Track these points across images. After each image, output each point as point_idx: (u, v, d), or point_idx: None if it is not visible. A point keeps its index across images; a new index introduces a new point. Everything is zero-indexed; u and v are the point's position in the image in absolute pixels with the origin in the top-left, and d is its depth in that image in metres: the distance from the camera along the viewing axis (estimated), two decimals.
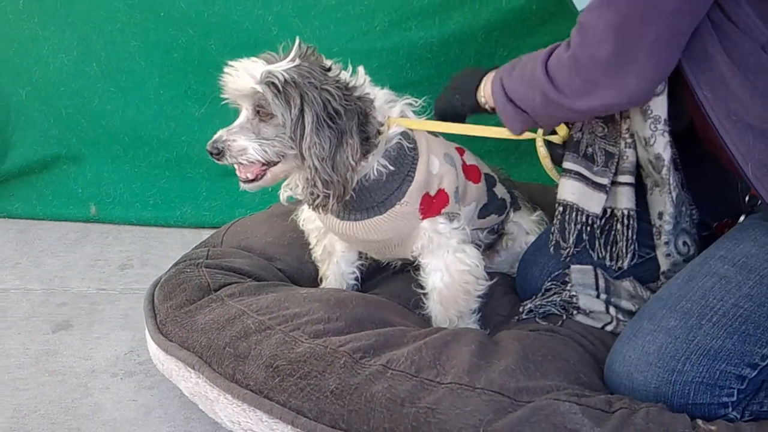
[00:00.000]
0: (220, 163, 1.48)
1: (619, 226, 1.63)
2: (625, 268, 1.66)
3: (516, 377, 1.33)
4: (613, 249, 1.67)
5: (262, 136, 1.45)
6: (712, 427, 1.23)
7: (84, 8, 2.53)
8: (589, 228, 1.65)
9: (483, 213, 1.77)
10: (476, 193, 1.72)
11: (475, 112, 1.70)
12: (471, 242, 1.63)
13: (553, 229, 1.70)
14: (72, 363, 1.79)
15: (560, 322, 1.63)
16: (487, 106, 1.65)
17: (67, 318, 2.00)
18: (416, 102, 1.60)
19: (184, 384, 1.51)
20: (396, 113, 1.56)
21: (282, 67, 1.42)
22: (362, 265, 1.82)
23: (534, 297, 1.72)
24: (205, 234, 2.10)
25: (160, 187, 2.72)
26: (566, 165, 1.67)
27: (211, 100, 2.57)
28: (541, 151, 1.70)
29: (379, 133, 1.51)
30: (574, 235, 1.66)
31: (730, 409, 1.30)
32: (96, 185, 2.73)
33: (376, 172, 1.52)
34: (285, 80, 1.40)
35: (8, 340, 1.90)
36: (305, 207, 1.76)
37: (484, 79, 1.65)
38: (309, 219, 1.78)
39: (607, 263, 1.67)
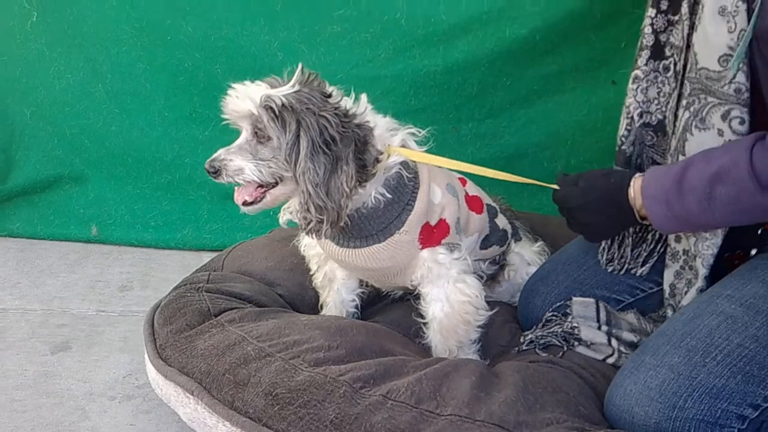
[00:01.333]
0: (217, 181, 1.49)
1: (650, 236, 1.67)
2: (643, 275, 1.69)
3: (516, 410, 1.32)
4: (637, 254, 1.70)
5: (259, 157, 1.47)
6: None
7: (91, 30, 2.55)
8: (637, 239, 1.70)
9: (485, 244, 1.77)
10: (479, 223, 1.73)
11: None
12: (472, 273, 1.63)
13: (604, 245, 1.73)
14: (70, 385, 1.78)
15: (561, 354, 1.62)
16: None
17: (66, 339, 2.00)
18: (419, 132, 1.59)
19: (183, 410, 1.50)
20: (397, 142, 1.56)
21: (282, 91, 1.43)
22: (363, 293, 1.82)
23: (535, 327, 1.71)
24: (206, 257, 2.11)
25: (162, 209, 2.72)
26: None
27: (215, 123, 2.54)
28: None
29: (377, 161, 1.51)
30: (629, 248, 1.70)
31: None
32: (98, 206, 2.73)
33: (374, 200, 1.52)
34: (282, 104, 1.41)
35: (6, 360, 1.89)
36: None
37: (631, 199, 1.50)
38: (310, 245, 1.78)
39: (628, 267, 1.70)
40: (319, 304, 1.83)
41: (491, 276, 1.87)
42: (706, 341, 1.34)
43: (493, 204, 1.83)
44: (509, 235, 1.86)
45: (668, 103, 1.59)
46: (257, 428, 1.37)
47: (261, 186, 1.50)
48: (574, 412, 1.37)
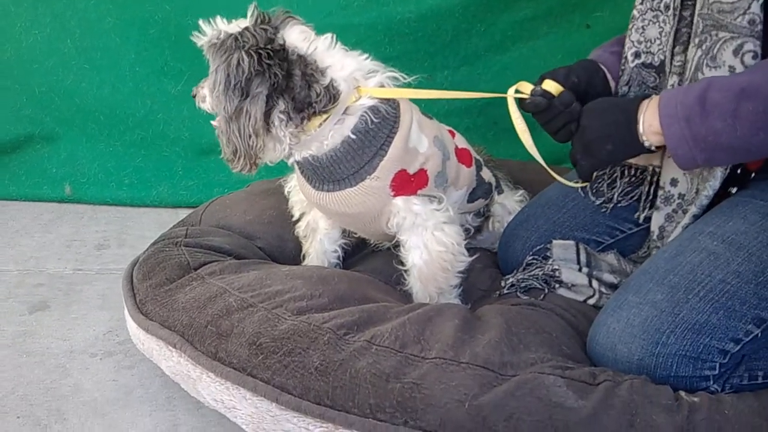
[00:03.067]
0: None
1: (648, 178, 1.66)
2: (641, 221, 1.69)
3: (500, 351, 1.33)
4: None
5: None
6: (695, 399, 1.24)
7: None
8: (632, 180, 1.69)
9: (471, 197, 1.77)
10: (468, 177, 1.72)
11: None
12: (454, 223, 1.62)
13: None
14: (50, 344, 1.76)
15: (542, 296, 1.63)
16: (652, 147, 1.44)
17: (44, 299, 1.97)
18: (403, 77, 1.54)
19: (165, 363, 1.49)
20: (373, 84, 1.52)
21: (229, 30, 1.45)
22: (346, 243, 1.81)
23: (515, 271, 1.72)
24: (182, 213, 2.08)
25: (136, 166, 2.69)
26: None
27: (187, 77, 2.54)
28: (519, 124, 1.61)
29: (331, 101, 1.46)
30: (619, 189, 1.71)
31: (712, 382, 1.31)
32: (70, 165, 2.68)
33: (343, 144, 1.50)
34: (216, 42, 1.45)
35: None
36: (293, 177, 1.76)
37: (642, 116, 1.42)
38: (294, 190, 1.77)
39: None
40: (302, 254, 1.82)
41: (477, 228, 1.88)
42: (689, 278, 1.34)
43: (478, 156, 1.83)
44: (493, 188, 1.86)
45: (669, 42, 1.56)
46: (242, 378, 1.36)
47: None
48: (557, 352, 1.38)
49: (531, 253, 1.72)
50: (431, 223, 1.56)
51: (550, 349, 1.37)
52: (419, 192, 1.56)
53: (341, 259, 1.82)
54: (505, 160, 2.26)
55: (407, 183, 1.55)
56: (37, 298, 1.98)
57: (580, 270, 1.65)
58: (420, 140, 1.57)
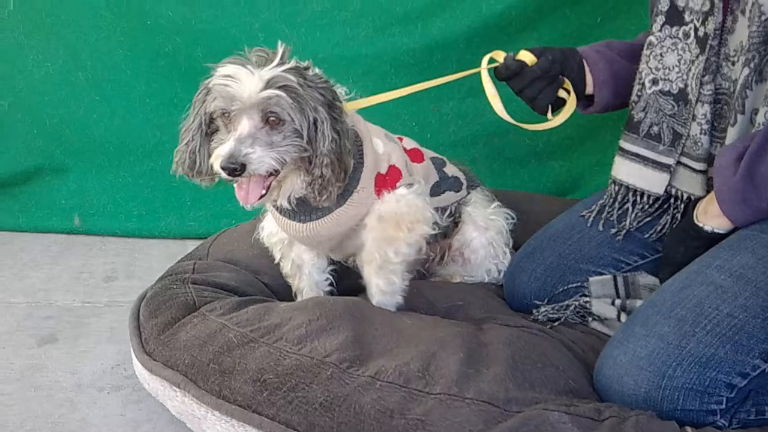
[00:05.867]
0: (231, 179, 1.44)
1: (681, 207, 1.67)
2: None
3: (505, 386, 1.32)
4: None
5: (275, 143, 1.44)
6: None
7: (70, 17, 2.53)
8: (646, 207, 1.70)
9: (436, 191, 1.75)
10: (422, 171, 1.71)
11: None
12: (428, 200, 1.64)
13: (603, 205, 1.75)
14: (58, 377, 1.77)
15: (549, 326, 1.63)
16: (717, 230, 1.51)
17: (53, 332, 1.98)
18: (345, 92, 1.58)
19: (171, 403, 1.49)
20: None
21: (282, 69, 1.42)
22: (334, 270, 1.81)
23: (546, 301, 1.72)
24: (190, 245, 2.09)
25: (145, 197, 2.71)
26: (623, 145, 1.71)
27: None
28: (488, 88, 1.66)
29: None
30: (632, 216, 1.71)
31: (718, 416, 1.30)
32: (80, 196, 2.71)
33: None
34: (297, 83, 1.41)
35: None
36: (265, 223, 1.78)
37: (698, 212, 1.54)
38: (271, 233, 1.77)
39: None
40: (293, 293, 1.81)
41: (444, 234, 1.83)
42: (696, 311, 1.34)
43: (441, 157, 1.83)
44: (463, 181, 1.83)
45: (689, 70, 1.58)
46: (247, 415, 1.36)
47: (271, 174, 1.47)
48: (563, 387, 1.37)
49: (564, 288, 1.73)
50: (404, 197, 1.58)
51: (556, 384, 1.37)
52: (398, 184, 1.59)
53: (334, 285, 1.82)
54: (512, 191, 2.27)
55: (384, 181, 1.59)
56: (45, 330, 1.99)
57: (612, 303, 1.66)
58: (376, 143, 1.60)
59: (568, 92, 1.68)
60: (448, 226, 1.84)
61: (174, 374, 1.47)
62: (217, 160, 1.42)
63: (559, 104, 1.71)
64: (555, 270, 1.73)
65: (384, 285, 1.60)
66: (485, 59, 1.63)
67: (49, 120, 2.66)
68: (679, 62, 1.60)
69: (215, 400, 1.40)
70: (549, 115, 1.69)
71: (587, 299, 1.67)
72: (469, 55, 2.46)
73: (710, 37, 1.52)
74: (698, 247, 1.50)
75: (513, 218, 1.89)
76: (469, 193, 1.84)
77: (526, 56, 1.61)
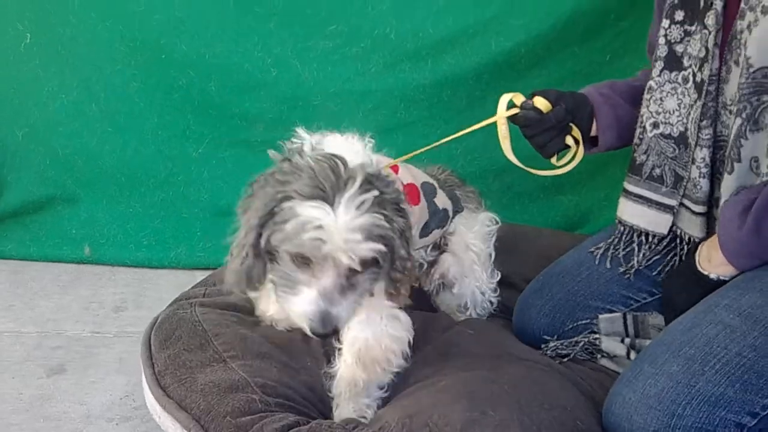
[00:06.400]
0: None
1: (686, 248, 1.67)
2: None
3: (514, 429, 1.31)
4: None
5: (358, 284, 1.30)
6: None
7: (85, 50, 2.56)
8: (654, 246, 1.71)
9: (425, 231, 1.66)
10: (418, 215, 1.61)
11: None
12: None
13: (610, 243, 1.76)
14: (67, 408, 1.77)
15: (558, 362, 1.63)
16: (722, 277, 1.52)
17: (62, 362, 1.99)
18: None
19: None
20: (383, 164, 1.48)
21: (369, 206, 1.23)
22: None
23: (555, 336, 1.73)
24: (199, 275, 2.10)
25: (155, 227, 2.71)
26: (627, 187, 1.73)
27: (208, 140, 2.61)
28: (502, 130, 1.62)
29: None
30: (640, 256, 1.72)
31: None
32: (90, 226, 2.71)
33: None
34: (387, 223, 1.26)
35: (2, 384, 1.88)
36: (263, 304, 1.68)
37: (698, 256, 1.56)
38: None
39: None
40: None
41: (432, 262, 1.80)
42: (705, 350, 1.34)
43: (430, 180, 1.71)
44: (450, 213, 1.74)
45: (689, 114, 1.60)
46: None
47: None
48: (571, 428, 1.37)
49: (573, 324, 1.73)
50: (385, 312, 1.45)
51: (563, 425, 1.36)
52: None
53: None
54: (520, 225, 2.28)
55: None
56: (54, 361, 1.99)
57: (622, 341, 1.66)
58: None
59: (576, 140, 1.69)
60: (435, 257, 1.80)
61: (187, 417, 1.43)
62: (303, 321, 1.27)
63: (564, 148, 1.72)
64: (564, 306, 1.73)
65: (354, 409, 1.48)
66: (503, 101, 1.61)
67: (62, 150, 2.68)
68: (679, 106, 1.62)
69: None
70: (554, 160, 1.71)
71: (597, 336, 1.67)
72: (479, 91, 2.50)
73: (706, 83, 1.54)
74: (702, 294, 1.50)
75: (497, 222, 1.87)
76: (452, 219, 1.77)
77: (542, 104, 1.62)
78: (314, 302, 1.25)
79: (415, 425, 1.33)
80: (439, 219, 1.70)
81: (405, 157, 1.59)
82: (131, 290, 2.49)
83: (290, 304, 1.29)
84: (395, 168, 1.61)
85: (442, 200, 1.72)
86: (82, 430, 1.68)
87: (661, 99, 1.65)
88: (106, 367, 1.96)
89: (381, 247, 1.24)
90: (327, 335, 1.28)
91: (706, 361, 1.33)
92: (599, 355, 1.66)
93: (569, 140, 1.68)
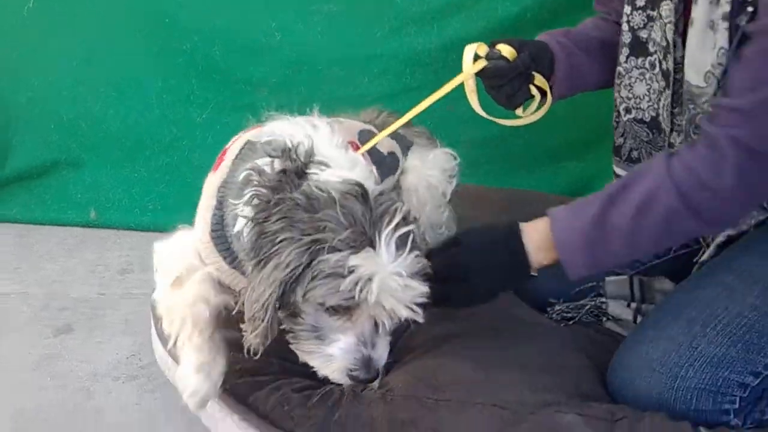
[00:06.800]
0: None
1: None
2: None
3: (517, 391, 1.32)
4: None
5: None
6: None
7: (89, 15, 2.54)
8: None
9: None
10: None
11: None
12: None
13: None
14: (74, 367, 1.79)
15: (563, 325, 1.63)
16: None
17: (68, 322, 2.00)
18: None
19: None
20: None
21: (404, 236, 1.13)
22: None
23: (561, 300, 1.68)
24: None
25: (160, 192, 2.72)
26: (615, 169, 1.71)
27: (213, 105, 2.59)
28: (470, 84, 1.52)
29: None
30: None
31: (732, 416, 1.30)
32: (95, 190, 2.72)
33: None
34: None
35: (10, 343, 1.90)
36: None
37: (530, 239, 1.36)
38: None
39: None
40: None
41: None
42: (706, 311, 1.34)
43: (367, 128, 1.57)
44: (399, 154, 1.60)
45: (659, 100, 1.56)
46: (266, 426, 1.35)
47: None
48: (575, 391, 1.36)
49: (579, 288, 1.68)
50: None
51: (568, 387, 1.36)
52: None
53: None
54: (525, 190, 2.28)
55: None
56: (61, 321, 2.01)
57: (628, 305, 1.66)
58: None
59: (538, 88, 1.62)
60: None
61: None
62: (341, 372, 1.18)
63: (529, 98, 1.64)
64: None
65: None
66: (468, 54, 1.52)
67: (66, 115, 2.68)
68: (648, 92, 1.58)
69: (237, 405, 1.40)
70: (519, 111, 1.64)
71: (603, 300, 1.67)
72: None
73: (672, 73, 1.50)
74: (513, 277, 1.39)
75: (456, 158, 1.70)
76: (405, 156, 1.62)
77: (508, 51, 1.52)
78: (355, 350, 1.16)
79: (421, 387, 1.34)
80: (387, 166, 1.54)
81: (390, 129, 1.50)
82: (137, 253, 2.49)
83: (322, 357, 1.18)
84: (354, 146, 1.45)
85: (385, 145, 1.56)
86: (89, 387, 1.70)
87: (630, 85, 1.61)
88: (113, 328, 1.98)
89: (426, 290, 1.14)
90: (371, 381, 1.21)
91: (707, 323, 1.33)
92: (605, 318, 1.66)
93: (532, 89, 1.62)
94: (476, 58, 1.53)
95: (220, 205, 1.30)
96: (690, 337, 1.32)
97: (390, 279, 1.09)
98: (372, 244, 1.09)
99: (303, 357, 1.21)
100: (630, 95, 1.61)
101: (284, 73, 2.55)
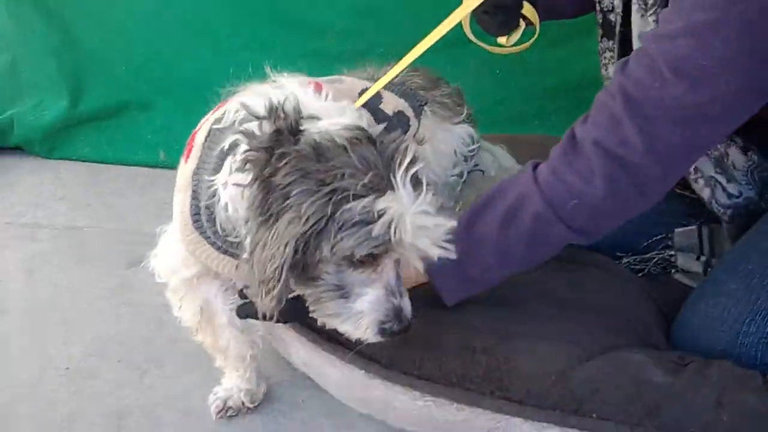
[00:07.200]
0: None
1: None
2: None
3: (590, 331, 1.35)
4: None
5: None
6: None
7: None
8: None
9: None
10: None
11: None
12: None
13: None
14: (146, 298, 1.84)
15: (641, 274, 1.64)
16: None
17: (141, 256, 2.04)
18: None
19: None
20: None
21: (419, 173, 1.08)
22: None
23: (629, 253, 1.69)
24: None
25: None
26: None
27: (280, 51, 2.60)
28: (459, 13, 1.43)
29: None
30: None
31: None
32: (165, 132, 2.76)
33: None
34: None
35: (85, 273, 1.97)
36: (165, 252, 1.43)
37: None
38: (173, 270, 1.39)
39: None
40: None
41: None
42: (762, 263, 1.33)
43: (367, 85, 1.40)
44: (410, 113, 1.43)
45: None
46: (332, 347, 1.41)
47: None
48: (646, 342, 1.39)
49: (647, 242, 1.69)
50: None
51: (639, 336, 1.39)
52: None
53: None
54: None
55: None
56: (133, 254, 2.05)
57: (698, 258, 1.63)
58: None
59: (524, 17, 1.60)
60: None
61: None
62: (372, 328, 1.11)
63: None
64: (637, 223, 1.71)
65: None
66: None
67: (137, 58, 2.72)
68: None
69: (301, 328, 1.46)
70: (503, 40, 1.63)
71: (671, 253, 1.65)
72: None
73: (620, 25, 1.48)
74: None
75: (474, 141, 1.59)
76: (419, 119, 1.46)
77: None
78: (385, 301, 1.10)
79: (497, 320, 1.37)
80: (394, 128, 1.31)
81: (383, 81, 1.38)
82: None
83: (351, 317, 1.11)
84: (318, 86, 1.30)
85: (391, 103, 1.41)
86: (161, 317, 1.75)
87: (606, 66, 1.60)
88: None
89: (454, 222, 1.08)
90: (404, 332, 1.13)
91: (765, 274, 1.32)
92: (673, 270, 1.65)
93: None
94: None
95: (196, 193, 1.25)
96: (749, 292, 1.32)
97: (420, 217, 1.03)
98: (391, 186, 1.04)
99: (328, 322, 1.14)
100: (607, 75, 1.60)
101: (351, 19, 2.54)
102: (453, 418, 1.29)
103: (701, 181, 1.52)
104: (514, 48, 1.62)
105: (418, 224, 1.03)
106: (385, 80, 1.34)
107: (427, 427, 1.33)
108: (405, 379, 1.33)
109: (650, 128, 1.14)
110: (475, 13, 1.52)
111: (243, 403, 1.46)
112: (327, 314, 1.12)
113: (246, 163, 1.08)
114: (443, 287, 1.33)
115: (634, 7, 1.37)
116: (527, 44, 1.61)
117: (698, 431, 1.16)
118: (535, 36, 1.61)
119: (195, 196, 1.24)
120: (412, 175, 1.05)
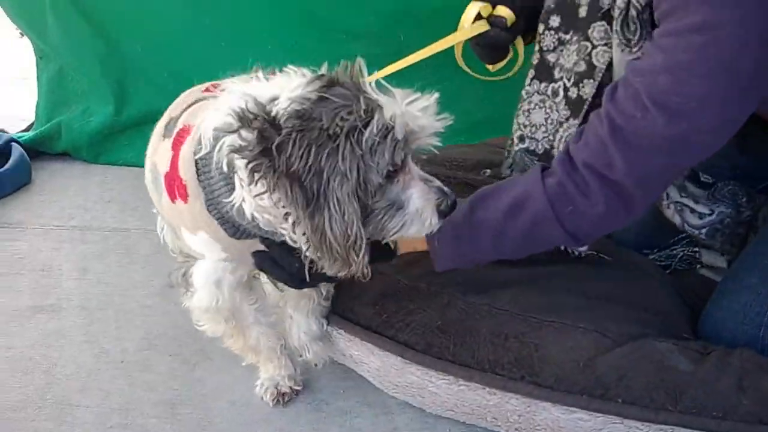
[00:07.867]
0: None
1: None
2: None
3: (618, 322, 1.40)
4: None
5: None
6: None
7: None
8: None
9: None
10: None
11: None
12: None
13: None
14: None
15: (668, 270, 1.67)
16: None
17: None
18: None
19: None
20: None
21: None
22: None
23: (656, 249, 1.72)
24: None
25: None
26: None
27: (316, 55, 2.65)
28: (459, 36, 1.52)
29: None
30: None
31: None
32: None
33: None
34: None
35: (134, 273, 2.07)
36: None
37: None
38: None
39: None
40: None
41: None
42: None
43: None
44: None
45: (557, 131, 1.51)
46: (368, 335, 1.49)
47: None
48: (672, 334, 1.43)
49: (673, 239, 1.71)
50: None
51: (665, 329, 1.43)
52: None
53: None
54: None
55: None
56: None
57: (722, 254, 1.66)
58: None
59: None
60: None
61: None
62: (433, 212, 1.18)
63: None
64: (662, 221, 1.74)
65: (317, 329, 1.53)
66: (471, 10, 1.51)
67: (179, 65, 2.79)
68: (545, 121, 1.53)
69: (339, 320, 1.54)
70: (490, 67, 1.62)
71: (696, 249, 1.69)
72: None
73: (587, 102, 1.45)
74: None
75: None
76: None
77: (507, 14, 1.49)
78: (428, 188, 1.18)
79: (528, 307, 1.43)
80: None
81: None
82: None
83: (413, 217, 1.17)
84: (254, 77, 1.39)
85: None
86: None
87: (528, 111, 1.56)
88: None
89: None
90: (454, 207, 1.19)
91: None
92: (698, 266, 1.68)
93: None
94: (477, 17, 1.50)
95: (224, 220, 1.27)
96: None
97: (415, 104, 1.10)
98: (374, 98, 1.10)
99: (399, 236, 1.19)
100: (527, 122, 1.57)
101: (385, 23, 2.58)
102: (485, 402, 1.36)
103: (672, 207, 1.56)
104: (499, 76, 1.62)
105: (417, 108, 1.10)
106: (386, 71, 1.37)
107: (461, 410, 1.41)
108: (440, 364, 1.41)
109: (632, 154, 1.17)
110: (470, 42, 1.55)
111: (291, 388, 1.56)
112: (395, 230, 1.17)
113: (253, 173, 1.10)
114: (437, 254, 1.37)
115: (615, 42, 1.37)
116: (511, 72, 1.62)
117: (720, 415, 1.21)
118: (519, 63, 1.61)
119: (223, 222, 1.26)
120: (376, 82, 1.12)
